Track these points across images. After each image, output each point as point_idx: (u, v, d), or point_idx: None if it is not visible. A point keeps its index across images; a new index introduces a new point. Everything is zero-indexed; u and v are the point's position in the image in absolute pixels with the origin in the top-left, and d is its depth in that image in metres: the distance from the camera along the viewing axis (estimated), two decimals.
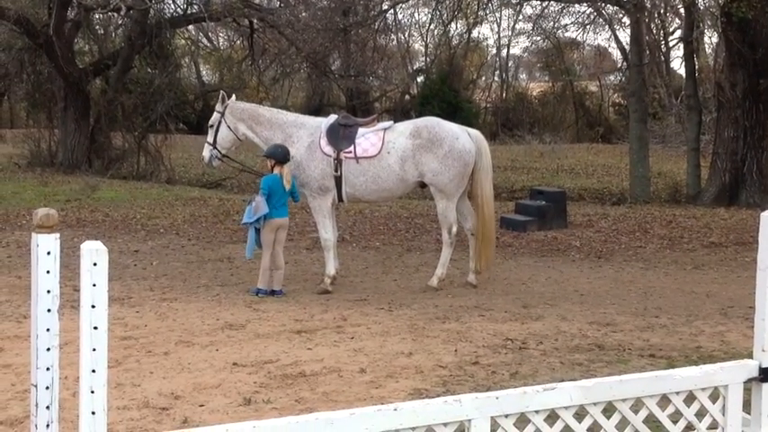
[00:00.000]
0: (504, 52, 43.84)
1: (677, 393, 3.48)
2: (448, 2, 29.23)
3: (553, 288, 9.36)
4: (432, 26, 40.26)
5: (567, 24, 28.31)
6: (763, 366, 3.56)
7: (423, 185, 9.35)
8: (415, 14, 39.83)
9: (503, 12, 35.96)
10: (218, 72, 36.49)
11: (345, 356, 6.39)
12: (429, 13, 37.84)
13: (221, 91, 10.03)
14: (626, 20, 24.17)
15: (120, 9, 19.57)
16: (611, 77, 41.91)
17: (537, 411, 3.23)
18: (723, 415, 3.56)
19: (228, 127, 9.28)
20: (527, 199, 15.32)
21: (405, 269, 10.43)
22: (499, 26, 41.61)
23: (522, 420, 3.23)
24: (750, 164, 17.14)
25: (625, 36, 27.80)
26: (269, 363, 6.20)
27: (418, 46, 43.18)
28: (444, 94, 36.05)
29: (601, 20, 27.77)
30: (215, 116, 9.39)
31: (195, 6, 22.27)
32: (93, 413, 2.60)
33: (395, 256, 11.36)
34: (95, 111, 22.54)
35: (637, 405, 3.44)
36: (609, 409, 3.39)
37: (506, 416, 3.19)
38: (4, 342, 6.67)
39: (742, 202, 16.87)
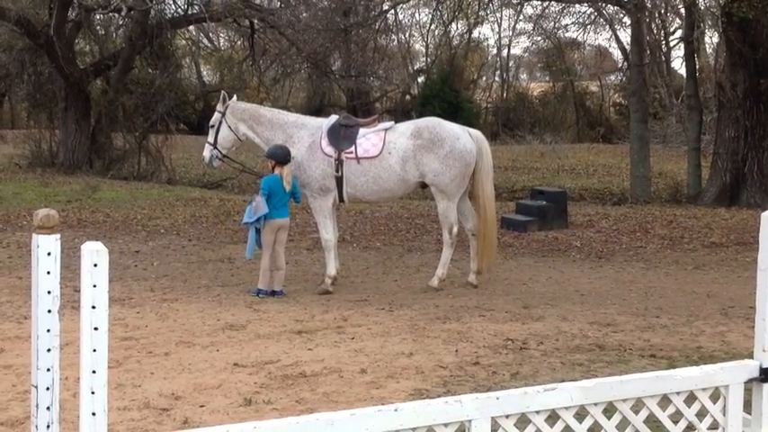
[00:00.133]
0: (504, 52, 43.88)
1: (678, 393, 3.48)
2: (448, 2, 29.27)
3: (554, 288, 9.35)
4: (432, 26, 40.31)
5: (567, 24, 28.36)
6: (764, 366, 3.56)
7: (424, 186, 9.35)
8: (416, 15, 39.88)
9: (503, 12, 35.97)
10: (219, 72, 36.48)
11: (346, 357, 6.39)
12: (430, 13, 37.90)
13: (222, 91, 10.04)
14: (626, 20, 24.19)
15: (121, 9, 19.58)
16: (612, 77, 41.90)
17: (537, 412, 3.23)
18: (724, 415, 3.56)
19: (229, 127, 9.28)
20: (528, 199, 15.31)
21: (405, 269, 10.43)
22: (500, 26, 41.63)
23: (523, 421, 3.23)
24: (751, 164, 17.13)
25: (626, 36, 27.81)
26: (269, 363, 6.20)
27: (419, 46, 43.23)
28: (445, 94, 36.05)
29: (601, 20, 27.79)
30: (216, 116, 9.39)
31: (196, 7, 22.27)
32: (94, 414, 2.60)
33: (395, 256, 11.36)
34: (96, 111, 22.54)
35: (637, 405, 3.44)
36: (609, 410, 3.39)
37: (507, 416, 3.19)
38: (4, 343, 6.67)
39: (743, 203, 16.86)
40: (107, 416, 2.64)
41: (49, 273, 2.61)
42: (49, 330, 2.63)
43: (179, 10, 23.65)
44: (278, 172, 8.74)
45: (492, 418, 3.16)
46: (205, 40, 35.83)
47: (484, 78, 45.37)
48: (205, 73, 39.42)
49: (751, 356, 3.69)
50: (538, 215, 13.83)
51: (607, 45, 42.56)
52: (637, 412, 3.43)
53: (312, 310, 8.05)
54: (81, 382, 2.61)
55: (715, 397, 3.56)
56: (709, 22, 23.18)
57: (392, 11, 28.24)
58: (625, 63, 30.34)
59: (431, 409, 3.08)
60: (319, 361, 6.26)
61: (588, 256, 11.67)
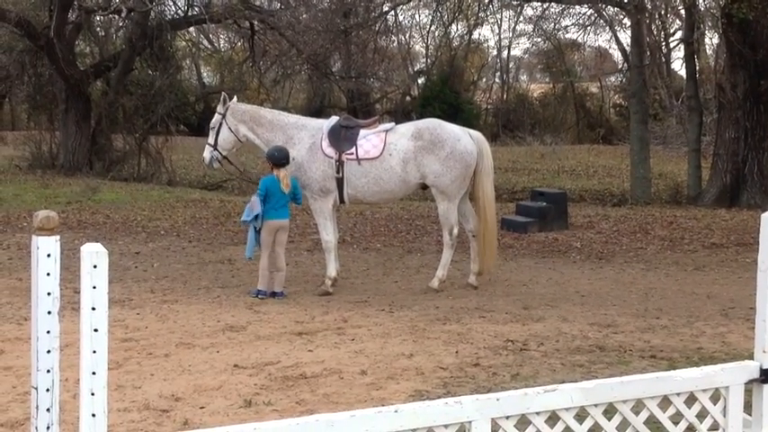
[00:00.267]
0: (504, 53, 43.90)
1: (678, 395, 3.48)
2: (448, 3, 29.24)
3: (554, 289, 9.35)
4: (432, 27, 40.32)
5: (567, 26, 28.38)
6: (764, 368, 3.56)
7: (424, 187, 9.35)
8: (416, 16, 39.90)
9: (503, 13, 35.95)
10: (219, 74, 36.50)
11: (346, 358, 6.39)
12: (430, 14, 37.92)
13: (222, 92, 10.04)
14: (627, 21, 24.19)
15: (121, 11, 19.60)
16: (612, 79, 41.93)
17: (538, 413, 3.23)
18: (724, 416, 3.56)
19: (229, 129, 9.28)
20: (528, 200, 15.31)
21: (405, 271, 10.42)
22: (500, 27, 41.63)
23: (523, 422, 3.23)
24: (751, 165, 17.13)
25: (626, 37, 27.82)
26: (270, 364, 6.20)
27: (419, 47, 43.25)
28: (445, 95, 36.07)
29: (601, 21, 27.77)
30: (216, 118, 9.39)
31: (196, 8, 22.28)
32: (94, 415, 2.60)
33: (395, 257, 11.36)
34: (96, 113, 22.55)
35: (638, 406, 3.44)
36: (610, 411, 3.38)
37: (507, 417, 3.18)
38: (4, 344, 6.67)
39: (743, 203, 16.86)
40: (107, 417, 2.64)
41: (48, 274, 2.61)
42: (48, 332, 2.63)
43: (179, 11, 23.68)
44: (275, 174, 8.74)
45: (492, 419, 3.16)
46: (205, 42, 35.84)
47: (484, 80, 45.41)
48: (205, 74, 39.45)
49: (751, 357, 3.69)
50: (538, 216, 13.83)
51: (607, 46, 42.56)
52: (637, 413, 3.43)
53: (312, 311, 8.05)
54: (81, 384, 2.61)
55: (715, 398, 3.56)
56: (710, 24, 23.19)
57: (392, 12, 28.25)
58: (625, 64, 30.38)
59: (431, 411, 3.08)
60: (319, 362, 6.26)
61: (588, 257, 11.67)
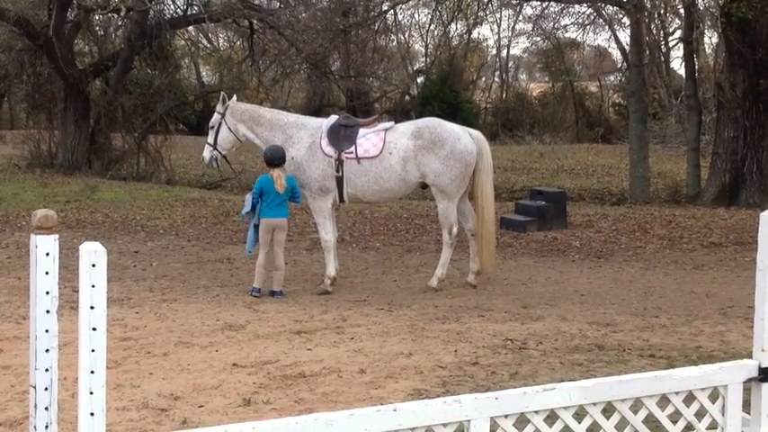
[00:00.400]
0: (504, 53, 43.88)
1: (677, 393, 3.48)
2: (448, 2, 29.23)
3: (553, 288, 9.36)
4: (432, 27, 40.32)
5: (566, 25, 28.34)
6: (763, 366, 3.56)
7: (424, 186, 9.35)
8: (415, 15, 39.85)
9: (503, 12, 35.95)
10: (218, 73, 36.47)
11: (345, 357, 6.39)
12: (429, 13, 37.91)
13: (222, 92, 10.04)
14: (626, 20, 24.17)
15: (120, 10, 19.57)
16: (611, 78, 41.91)
17: (536, 412, 3.23)
18: (722, 415, 3.56)
19: (229, 128, 9.27)
20: (527, 199, 15.31)
21: (404, 270, 10.43)
22: (499, 27, 41.62)
23: (522, 421, 3.23)
24: (750, 164, 17.13)
25: (625, 36, 27.81)
26: (268, 363, 6.20)
27: (418, 46, 43.22)
28: (444, 94, 36.05)
29: (601, 20, 27.77)
30: (215, 117, 9.39)
31: (195, 7, 22.27)
32: (92, 414, 2.60)
33: (395, 256, 11.36)
34: (95, 112, 22.53)
35: (636, 405, 3.44)
36: (608, 410, 3.39)
37: (506, 416, 3.19)
38: (3, 343, 6.67)
39: (742, 202, 16.86)
40: (105, 416, 2.64)
41: (47, 273, 2.61)
42: (47, 331, 2.63)
43: (178, 10, 23.67)
44: (270, 173, 8.77)
45: (491, 418, 3.16)
46: (204, 41, 35.83)
47: (483, 79, 45.39)
48: (204, 73, 39.42)
49: (750, 356, 3.69)
50: (537, 215, 13.83)
51: (606, 45, 42.55)
52: (636, 412, 3.43)
53: (311, 310, 8.05)
54: (79, 383, 2.61)
55: (714, 397, 3.56)
56: (709, 23, 23.19)
57: (391, 11, 28.21)
58: (624, 63, 30.36)
59: (430, 410, 3.08)
60: (318, 361, 6.26)
61: (587, 256, 11.67)
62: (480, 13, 31.58)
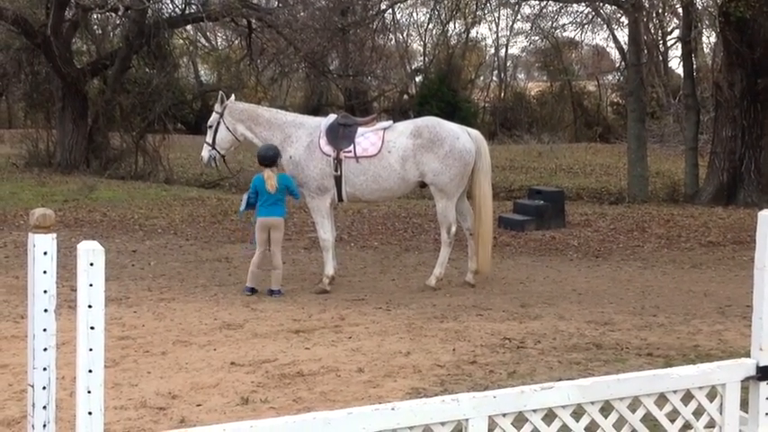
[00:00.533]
0: (502, 52, 43.85)
1: (675, 392, 3.48)
2: (446, 1, 29.27)
3: (551, 287, 9.36)
4: (430, 26, 40.28)
5: (565, 24, 28.34)
6: (761, 365, 3.56)
7: (423, 185, 9.35)
8: (414, 14, 39.81)
9: (501, 11, 35.96)
10: (217, 72, 36.43)
11: (343, 356, 6.39)
12: (427, 12, 37.89)
13: (220, 91, 10.03)
14: (624, 19, 24.18)
15: (118, 9, 19.55)
16: (610, 77, 41.91)
17: (534, 410, 3.23)
18: (720, 414, 3.56)
19: (227, 128, 9.27)
20: (525, 198, 15.31)
21: (403, 269, 10.43)
22: (497, 26, 41.59)
23: (520, 419, 3.23)
24: (748, 163, 17.14)
25: (623, 36, 27.81)
26: (267, 362, 6.20)
27: (416, 46, 43.18)
28: (443, 93, 36.03)
29: (599, 19, 27.77)
30: (214, 117, 9.39)
31: (193, 6, 22.26)
32: (90, 413, 2.60)
33: (393, 255, 11.36)
34: (93, 111, 22.52)
35: (634, 404, 3.44)
36: (606, 408, 3.39)
37: (504, 415, 3.19)
38: (1, 342, 6.66)
39: (740, 202, 16.87)
40: (103, 415, 2.64)
41: (45, 272, 2.61)
42: (45, 330, 2.63)
43: (176, 9, 23.64)
44: (262, 173, 8.79)
45: (489, 416, 3.16)
46: (203, 40, 35.83)
47: (481, 78, 45.35)
48: (202, 72, 39.38)
49: (748, 355, 3.69)
50: (535, 214, 13.83)
51: (605, 45, 42.61)
52: (634, 411, 3.43)
53: (309, 309, 8.05)
54: (77, 382, 2.61)
55: (712, 396, 3.56)
56: (707, 22, 23.18)
57: (390, 10, 28.19)
58: (623, 63, 30.34)
59: (428, 408, 3.08)
60: (316, 360, 6.26)
61: (585, 255, 11.68)
62: (479, 13, 31.59)
